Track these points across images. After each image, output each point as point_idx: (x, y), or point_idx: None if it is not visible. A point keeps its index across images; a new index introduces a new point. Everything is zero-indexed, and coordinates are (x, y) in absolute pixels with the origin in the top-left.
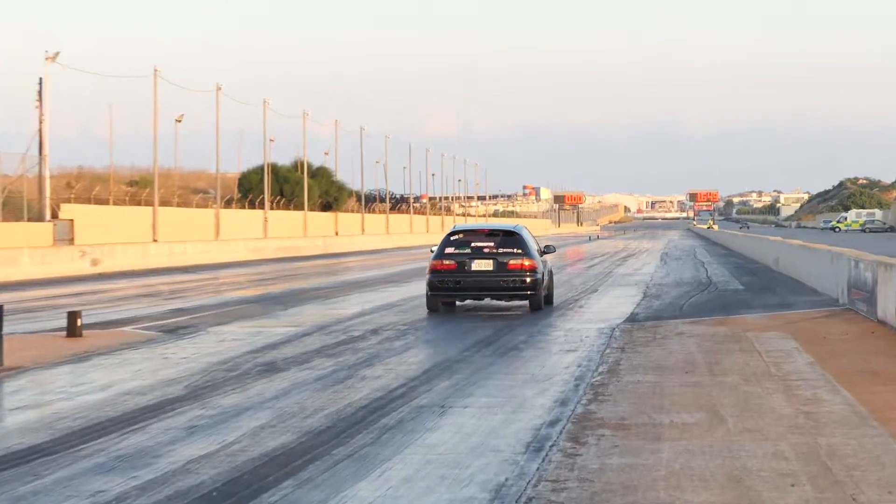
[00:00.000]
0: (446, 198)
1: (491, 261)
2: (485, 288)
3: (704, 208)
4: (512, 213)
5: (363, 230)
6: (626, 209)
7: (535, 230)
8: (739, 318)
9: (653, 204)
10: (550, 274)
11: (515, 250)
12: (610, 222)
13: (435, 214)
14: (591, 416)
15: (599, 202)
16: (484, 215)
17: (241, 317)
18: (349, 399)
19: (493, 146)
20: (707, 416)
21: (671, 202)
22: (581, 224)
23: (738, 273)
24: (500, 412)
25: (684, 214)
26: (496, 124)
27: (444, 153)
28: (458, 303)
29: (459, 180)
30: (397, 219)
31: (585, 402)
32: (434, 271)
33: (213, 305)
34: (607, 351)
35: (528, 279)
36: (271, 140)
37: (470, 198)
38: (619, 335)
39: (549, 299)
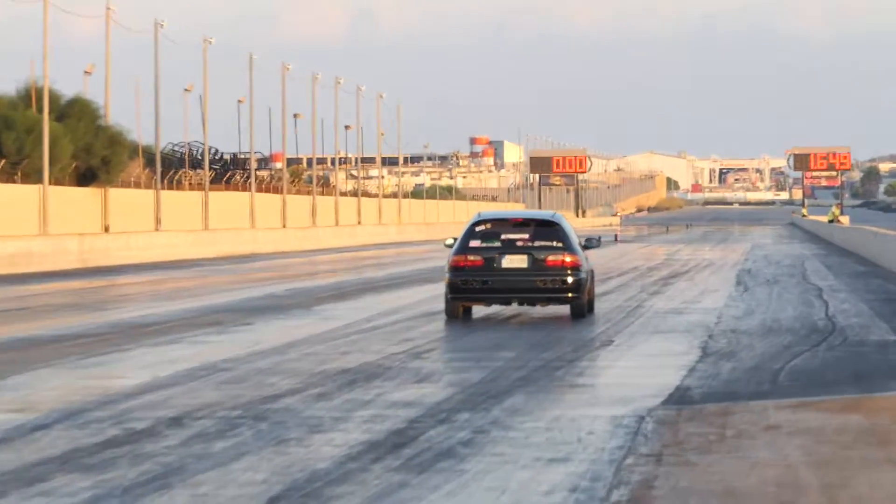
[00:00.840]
0: (321, 161)
1: (525, 256)
2: (517, 289)
3: (824, 183)
4: (449, 192)
5: (158, 222)
6: (672, 185)
7: None
8: (890, 398)
9: (723, 175)
10: (592, 274)
11: (554, 243)
12: (639, 210)
13: (300, 193)
14: None
15: (619, 171)
16: (393, 195)
17: None
18: None
19: (416, 66)
20: None
21: (758, 172)
22: (584, 213)
23: (889, 310)
24: None
25: (783, 196)
26: (422, 25)
27: (320, 74)
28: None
29: (348, 128)
30: (226, 200)
31: None
32: (456, 269)
33: None
34: (629, 461)
35: (570, 279)
36: None
37: (368, 161)
38: (652, 430)
39: (591, 306)
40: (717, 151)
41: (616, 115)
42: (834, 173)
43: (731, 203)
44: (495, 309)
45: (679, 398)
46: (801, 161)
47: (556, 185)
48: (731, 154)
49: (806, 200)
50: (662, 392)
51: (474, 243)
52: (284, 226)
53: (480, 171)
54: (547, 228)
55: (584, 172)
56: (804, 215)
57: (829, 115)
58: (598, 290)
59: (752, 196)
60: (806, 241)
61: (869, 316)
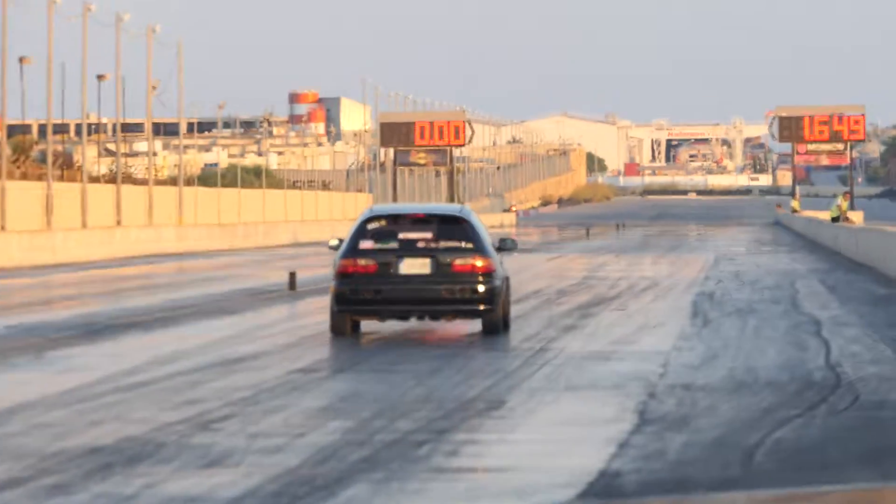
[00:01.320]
0: (61, 129)
1: (428, 260)
2: (418, 300)
3: (825, 162)
4: (258, 176)
5: None
6: (596, 164)
7: (310, 232)
8: None
9: (672, 149)
10: (508, 282)
11: (463, 244)
12: (545, 202)
13: (27, 177)
14: None
15: (516, 145)
16: (172, 181)
17: None
18: None
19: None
20: None
21: (726, 144)
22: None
23: None
24: None
25: (762, 181)
26: None
27: None
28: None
29: (102, 78)
30: None
31: None
32: (343, 276)
33: None
34: None
35: (482, 287)
36: None
37: (133, 129)
38: None
39: (506, 321)
40: (663, 114)
41: (511, 62)
42: (840, 146)
43: (684, 192)
44: (366, 338)
45: (604, 488)
46: (791, 128)
47: (421, 164)
48: (684, 118)
49: (798, 188)
50: (579, 479)
51: (366, 244)
52: (3, 228)
53: (305, 145)
54: (453, 226)
55: (463, 145)
56: (795, 210)
57: (833, 62)
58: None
59: (717, 181)
60: (797, 248)
61: (892, 363)
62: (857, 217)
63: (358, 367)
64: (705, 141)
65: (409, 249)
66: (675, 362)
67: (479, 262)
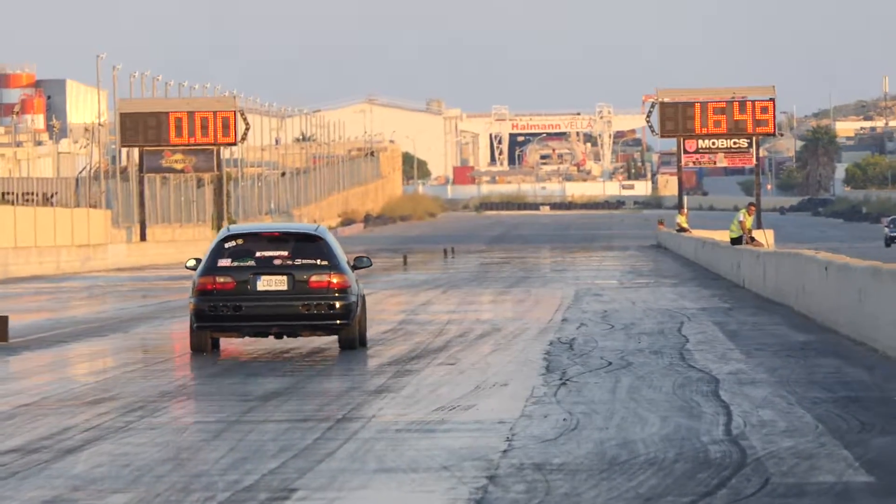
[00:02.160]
0: None
1: (284, 277)
2: (276, 316)
3: (723, 163)
4: None
5: None
6: (416, 168)
7: (27, 262)
8: None
9: (518, 146)
10: (363, 299)
11: (319, 261)
12: (347, 220)
13: None
14: None
15: (307, 144)
16: None
17: None
18: None
19: None
20: None
21: (590, 140)
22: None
23: (853, 420)
24: None
25: (638, 189)
26: None
27: None
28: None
29: None
30: None
31: None
32: (202, 293)
33: None
34: None
35: (338, 303)
36: None
37: None
38: None
39: (363, 338)
40: (498, 100)
41: (296, 33)
42: (743, 143)
43: (535, 205)
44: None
45: None
46: (677, 118)
47: (177, 170)
48: (533, 105)
49: (686, 198)
50: None
51: (224, 262)
52: None
53: (19, 144)
54: (309, 244)
55: (234, 144)
56: (682, 228)
57: (734, 31)
58: (272, 384)
59: (579, 190)
60: (686, 280)
61: (813, 433)
62: (764, 237)
63: (97, 442)
64: (562, 136)
65: (266, 267)
66: (524, 434)
67: (334, 279)
